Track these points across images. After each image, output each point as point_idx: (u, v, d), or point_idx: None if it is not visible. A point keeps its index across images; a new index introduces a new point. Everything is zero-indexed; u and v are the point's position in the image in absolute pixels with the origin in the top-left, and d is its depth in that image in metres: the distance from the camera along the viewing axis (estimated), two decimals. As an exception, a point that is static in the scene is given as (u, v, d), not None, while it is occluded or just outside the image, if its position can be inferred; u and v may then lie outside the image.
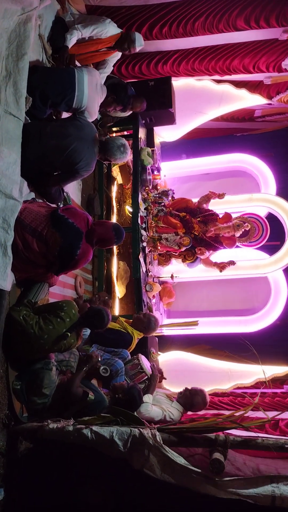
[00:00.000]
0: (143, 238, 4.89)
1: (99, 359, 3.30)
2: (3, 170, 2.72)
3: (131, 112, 4.69)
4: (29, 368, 2.86)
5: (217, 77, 5.20)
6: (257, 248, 5.85)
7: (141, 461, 2.49)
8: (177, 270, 5.69)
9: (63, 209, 2.98)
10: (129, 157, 3.40)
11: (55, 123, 3.15)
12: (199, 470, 2.29)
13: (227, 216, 5.46)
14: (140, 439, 2.51)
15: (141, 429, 2.54)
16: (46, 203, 3.18)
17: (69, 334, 2.78)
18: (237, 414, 2.53)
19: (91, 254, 3.01)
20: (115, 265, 5.36)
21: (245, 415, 2.74)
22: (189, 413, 3.61)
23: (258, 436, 2.36)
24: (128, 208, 5.55)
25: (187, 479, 2.24)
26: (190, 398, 3.47)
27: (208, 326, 5.78)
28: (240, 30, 4.24)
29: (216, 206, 5.67)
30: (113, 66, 4.55)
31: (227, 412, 3.56)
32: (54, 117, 3.44)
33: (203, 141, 6.61)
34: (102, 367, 3.28)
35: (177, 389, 3.89)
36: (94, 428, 2.58)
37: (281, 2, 3.91)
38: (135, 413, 3.05)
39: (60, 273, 3.04)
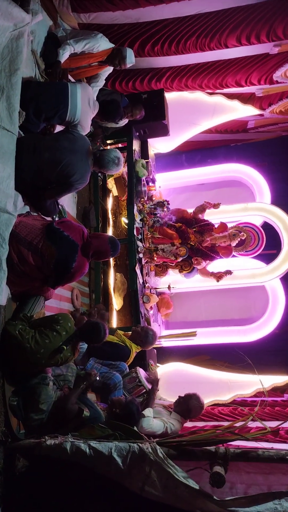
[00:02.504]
0: (139, 249, 4.89)
1: (97, 378, 3.26)
2: (-3, 184, 2.72)
3: (127, 121, 4.73)
4: (26, 383, 2.83)
5: (209, 90, 5.25)
6: (254, 257, 5.86)
7: (141, 478, 2.44)
8: (174, 281, 5.69)
9: (58, 222, 2.97)
10: (123, 168, 3.41)
11: (49, 137, 3.17)
12: (198, 487, 2.24)
13: (223, 226, 5.48)
14: (140, 455, 2.46)
15: (140, 444, 2.50)
16: (41, 217, 3.18)
17: (65, 348, 2.75)
18: (236, 425, 2.48)
19: (87, 266, 2.99)
20: (112, 277, 5.33)
21: (246, 427, 2.71)
22: (189, 425, 3.57)
23: (258, 448, 2.32)
24: (124, 220, 5.56)
25: (188, 497, 2.19)
26: (185, 404, 3.46)
27: (206, 337, 5.75)
28: (231, 47, 4.29)
29: (212, 216, 5.70)
30: (107, 81, 4.60)
31: (227, 424, 3.52)
32: (47, 131, 3.46)
33: (197, 152, 6.66)
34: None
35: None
36: (92, 443, 2.53)
37: (271, 19, 3.96)
38: (136, 428, 3.01)
39: (56, 286, 3.02)
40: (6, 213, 2.76)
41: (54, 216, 3.46)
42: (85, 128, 3.40)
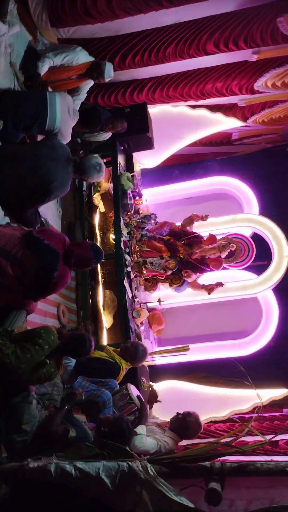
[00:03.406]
0: (127, 263, 4.78)
1: (83, 397, 3.08)
2: (-27, 193, 2.63)
3: (110, 135, 4.70)
4: (7, 402, 2.65)
5: (192, 102, 5.29)
6: (245, 269, 5.77)
7: (132, 499, 2.26)
8: (165, 295, 5.57)
9: (39, 231, 2.85)
10: (109, 183, 3.34)
11: (28, 145, 3.10)
12: (192, 506, 2.07)
13: (212, 238, 5.42)
14: (130, 474, 2.29)
15: (129, 463, 2.32)
16: (21, 227, 3.06)
17: (48, 362, 2.59)
18: (231, 438, 2.33)
19: (69, 276, 2.86)
20: (101, 294, 5.20)
21: (243, 441, 2.55)
22: (184, 443, 3.39)
23: (257, 461, 2.16)
24: (112, 236, 5.47)
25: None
26: (183, 421, 3.27)
27: (200, 352, 5.60)
28: (210, 53, 4.33)
29: (201, 229, 5.64)
30: (89, 95, 4.59)
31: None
32: (27, 141, 3.39)
33: (183, 166, 6.66)
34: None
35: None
36: (78, 464, 2.35)
37: (248, 25, 4.01)
38: (128, 448, 2.84)
39: (38, 298, 2.87)
40: (-17, 223, 2.66)
41: (36, 227, 3.35)
42: (66, 136, 3.34)
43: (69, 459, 2.43)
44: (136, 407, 3.52)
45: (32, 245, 2.70)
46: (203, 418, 4.68)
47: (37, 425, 2.69)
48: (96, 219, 5.58)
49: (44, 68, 3.74)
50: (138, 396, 3.63)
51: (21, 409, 2.64)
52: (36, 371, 2.60)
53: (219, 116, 5.49)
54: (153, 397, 3.44)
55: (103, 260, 5.03)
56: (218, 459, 2.28)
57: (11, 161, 2.87)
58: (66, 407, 2.81)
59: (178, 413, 3.37)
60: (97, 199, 5.69)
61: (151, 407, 4.62)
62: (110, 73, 4.08)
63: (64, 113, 3.31)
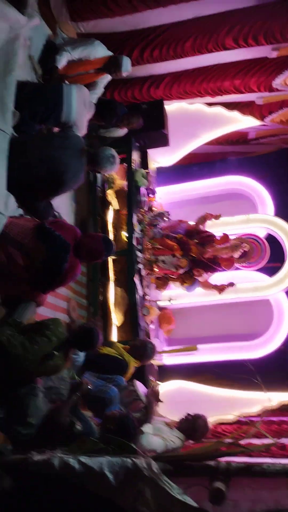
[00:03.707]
0: (138, 259, 4.75)
1: (89, 387, 3.06)
2: (-14, 182, 2.62)
3: (126, 131, 4.68)
4: (13, 393, 2.64)
5: (208, 98, 5.22)
6: (257, 270, 5.69)
7: (135, 496, 2.22)
8: (176, 295, 5.53)
9: (51, 222, 2.86)
10: (117, 169, 3.32)
11: (41, 136, 3.09)
12: (196, 505, 2.03)
13: (225, 237, 5.36)
14: (134, 470, 2.25)
15: (134, 459, 2.29)
16: (34, 219, 3.06)
17: (56, 353, 2.58)
18: (238, 437, 2.28)
19: (79, 268, 2.85)
20: (112, 291, 5.18)
21: (249, 443, 2.50)
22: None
23: (263, 462, 2.11)
24: (125, 234, 5.45)
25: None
26: (192, 422, 3.23)
27: (210, 353, 5.54)
28: (229, 49, 4.27)
29: (214, 229, 5.57)
30: (106, 91, 4.58)
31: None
32: (44, 132, 3.39)
33: (198, 165, 6.59)
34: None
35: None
36: (82, 458, 2.33)
37: (268, 20, 3.94)
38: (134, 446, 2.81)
39: (47, 290, 2.87)
40: (-4, 212, 2.66)
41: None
42: (81, 129, 3.33)
43: (73, 453, 2.41)
44: (143, 404, 3.50)
45: (43, 235, 2.70)
46: (211, 419, 4.63)
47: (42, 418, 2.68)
48: (109, 216, 5.56)
49: (62, 61, 3.75)
50: (145, 394, 3.60)
51: (26, 401, 2.62)
52: (44, 362, 2.59)
53: (235, 114, 5.42)
54: (154, 397, 3.41)
55: (115, 258, 5.12)
56: (224, 458, 2.24)
57: (23, 151, 2.86)
58: (73, 397, 2.79)
59: (188, 414, 3.34)
60: (111, 195, 5.67)
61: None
62: (127, 67, 4.06)
63: (80, 106, 3.30)
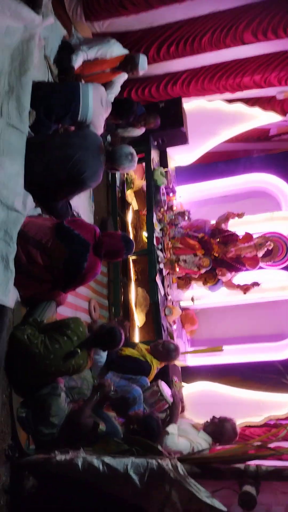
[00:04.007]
0: (159, 259, 4.69)
1: (112, 388, 3.00)
2: (4, 181, 2.61)
3: (144, 130, 4.63)
4: (36, 393, 2.62)
5: (228, 94, 5.12)
6: (283, 268, 5.53)
7: (161, 499, 2.15)
8: (199, 296, 5.42)
9: (69, 221, 2.83)
10: (135, 167, 3.27)
11: (58, 135, 3.08)
12: (225, 509, 1.94)
13: (248, 236, 5.22)
14: (159, 472, 2.19)
15: (159, 460, 2.22)
16: (53, 218, 3.04)
17: (79, 351, 2.53)
18: (268, 440, 2.17)
19: (99, 267, 2.80)
20: (133, 292, 5.13)
21: (279, 446, 2.38)
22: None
23: (296, 465, 2.01)
24: (145, 234, 5.40)
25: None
26: (220, 426, 3.11)
27: (235, 355, 5.41)
28: (247, 43, 4.17)
29: (236, 227, 5.45)
30: (123, 90, 4.55)
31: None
32: (59, 131, 3.37)
33: (218, 163, 6.48)
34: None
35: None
36: (106, 459, 2.28)
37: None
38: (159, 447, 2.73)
39: (67, 289, 2.84)
40: (15, 211, 2.64)
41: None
42: (98, 128, 3.30)
43: (96, 453, 2.37)
44: (167, 405, 3.42)
45: (62, 234, 2.67)
46: (237, 423, 4.50)
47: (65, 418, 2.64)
48: (129, 217, 5.52)
49: (78, 61, 3.73)
50: (169, 394, 3.52)
51: (49, 401, 2.60)
52: (66, 361, 2.56)
53: (256, 110, 5.30)
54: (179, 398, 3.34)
55: (135, 258, 5.07)
56: (253, 461, 2.14)
57: (41, 150, 2.85)
58: (95, 397, 2.74)
59: (214, 417, 3.24)
60: (130, 196, 5.64)
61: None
62: (144, 65, 4.02)
63: (97, 104, 3.27)
